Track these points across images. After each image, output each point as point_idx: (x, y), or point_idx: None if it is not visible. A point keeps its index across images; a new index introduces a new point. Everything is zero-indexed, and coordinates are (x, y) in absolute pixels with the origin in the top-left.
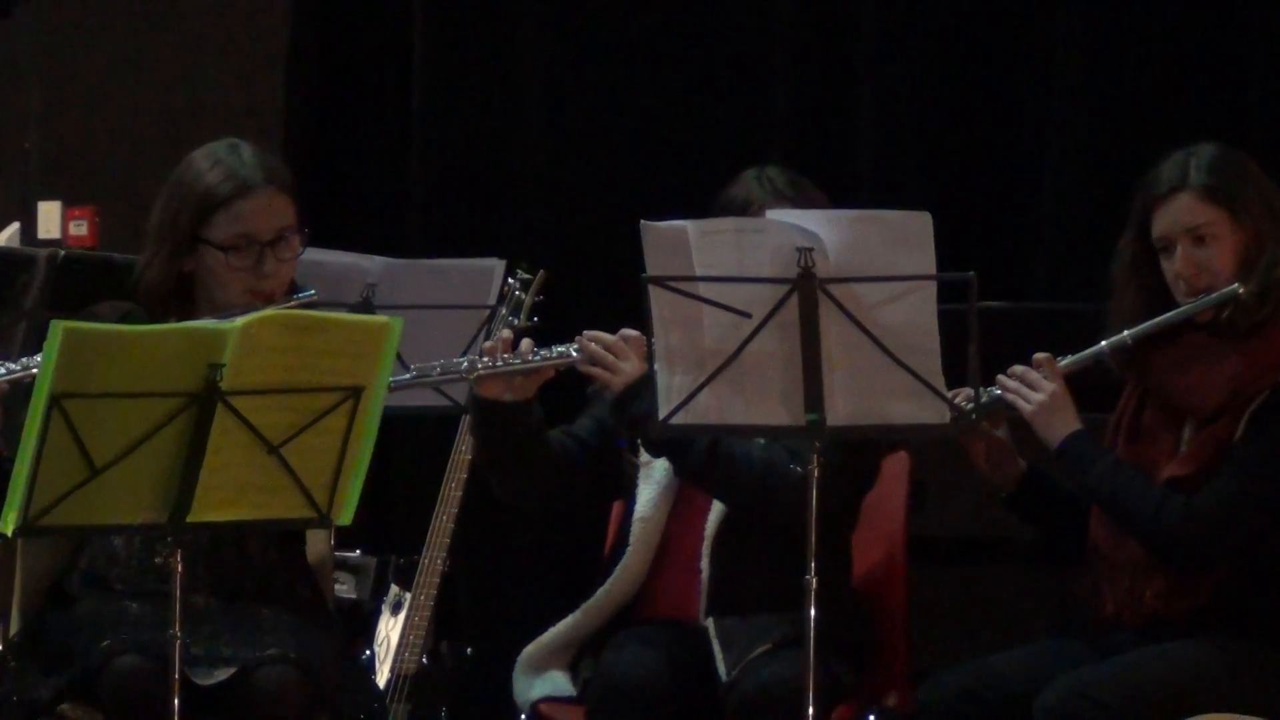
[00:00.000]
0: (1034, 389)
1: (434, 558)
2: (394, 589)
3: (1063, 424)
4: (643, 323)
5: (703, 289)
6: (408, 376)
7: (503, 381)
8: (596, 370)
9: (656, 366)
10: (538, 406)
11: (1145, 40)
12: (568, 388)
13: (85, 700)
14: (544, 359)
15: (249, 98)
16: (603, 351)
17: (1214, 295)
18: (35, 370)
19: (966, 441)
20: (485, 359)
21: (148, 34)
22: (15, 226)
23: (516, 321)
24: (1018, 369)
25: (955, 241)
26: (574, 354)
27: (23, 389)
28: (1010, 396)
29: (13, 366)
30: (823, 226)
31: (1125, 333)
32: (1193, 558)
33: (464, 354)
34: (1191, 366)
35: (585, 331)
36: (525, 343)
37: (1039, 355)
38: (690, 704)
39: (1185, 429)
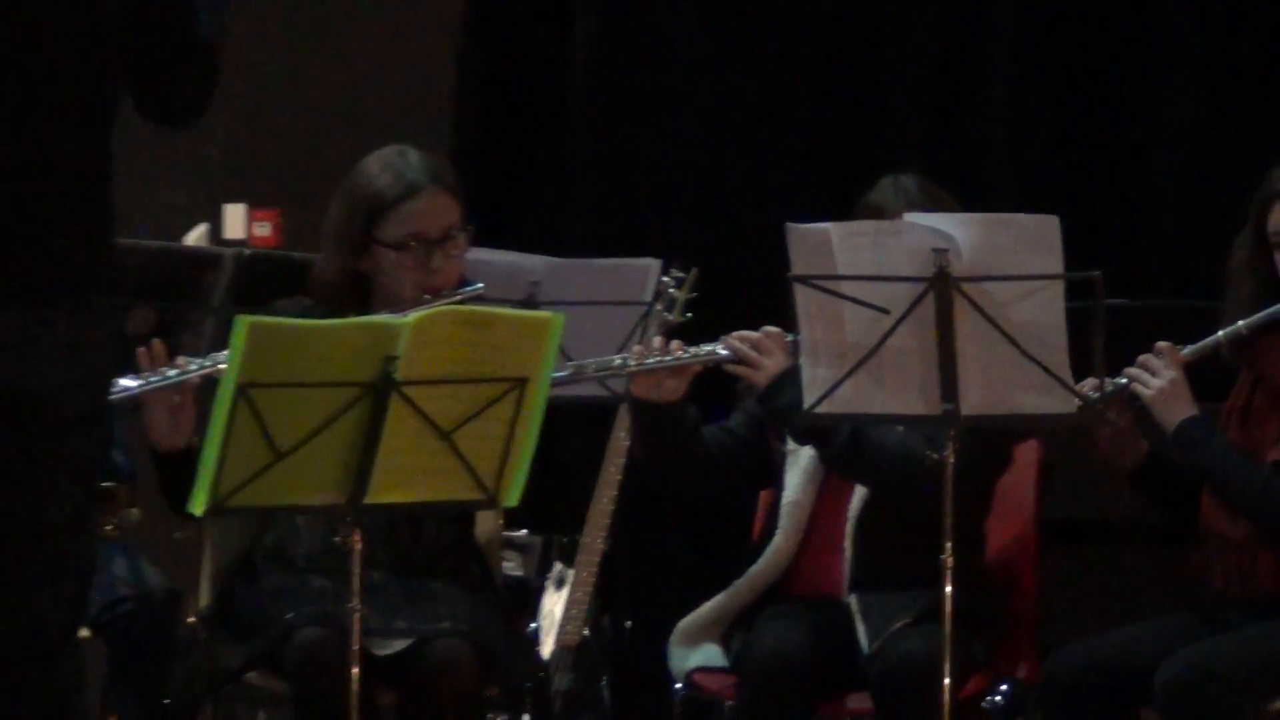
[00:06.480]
0: (1155, 375)
1: (595, 537)
2: (557, 566)
3: (1180, 409)
4: (788, 318)
5: (844, 287)
6: (564, 373)
7: (653, 380)
8: (741, 369)
9: (802, 359)
10: (692, 408)
11: (1263, 48)
12: (721, 385)
13: (271, 669)
14: (693, 356)
15: (421, 106)
16: (747, 348)
17: None
18: (223, 365)
19: (1092, 428)
20: (636, 357)
21: (324, 48)
22: (204, 228)
23: (671, 317)
24: (1141, 357)
25: (1081, 243)
26: (720, 351)
27: (211, 382)
28: (1134, 385)
29: (204, 362)
30: (957, 229)
31: (1240, 323)
32: None
33: (620, 349)
34: None
35: (732, 332)
36: (674, 343)
37: (1161, 344)
38: (834, 675)
39: None
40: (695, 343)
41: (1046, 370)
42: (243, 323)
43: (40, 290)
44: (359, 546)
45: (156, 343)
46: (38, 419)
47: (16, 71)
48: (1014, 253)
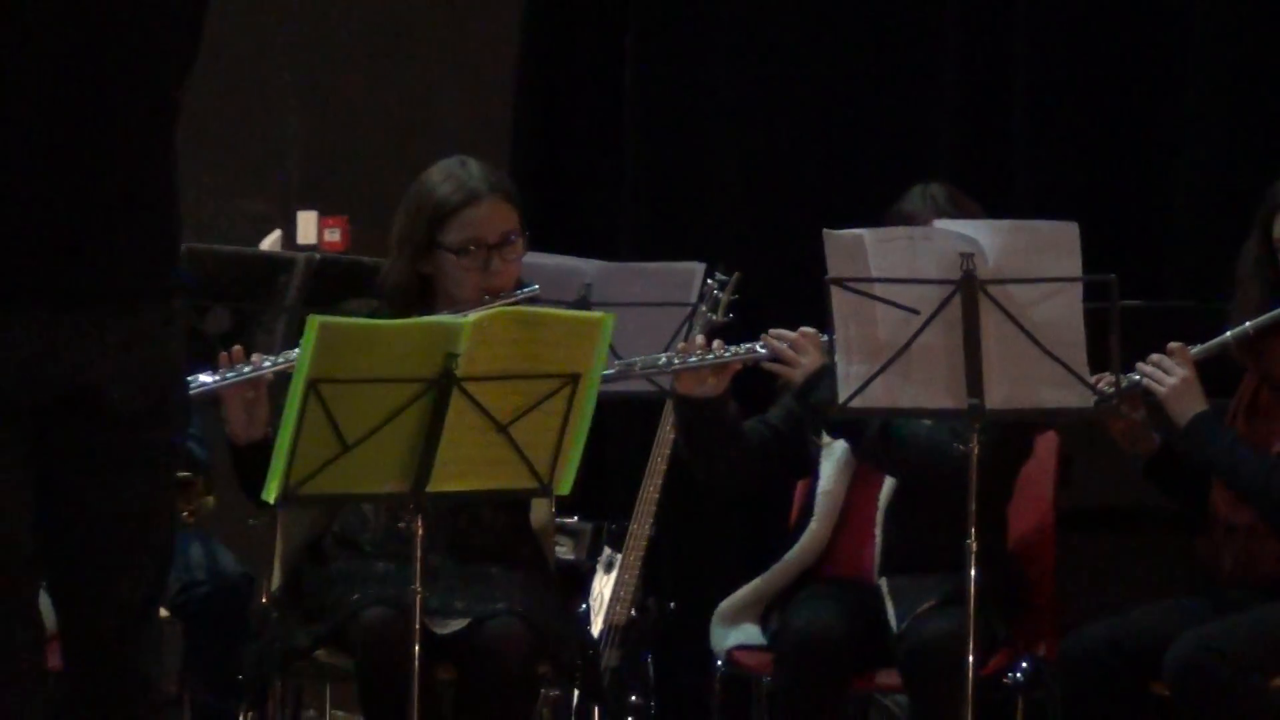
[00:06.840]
0: (1168, 374)
1: (642, 523)
2: (607, 551)
3: (1191, 405)
4: (823, 319)
5: (877, 289)
6: (613, 370)
7: (697, 378)
8: (778, 367)
9: (836, 357)
10: (733, 402)
11: (1278, 55)
12: (762, 381)
13: (338, 647)
14: (733, 354)
15: (481, 120)
16: (784, 347)
17: None
18: (294, 362)
19: (1107, 421)
20: (680, 355)
21: (391, 68)
22: (277, 233)
23: (714, 318)
24: (1154, 356)
25: (1099, 248)
26: (759, 350)
27: (283, 378)
28: (1147, 381)
29: (276, 360)
30: (983, 234)
31: (1247, 324)
32: None
33: (666, 348)
34: None
35: (769, 330)
36: (716, 342)
37: (1173, 344)
38: (865, 653)
39: None
40: (736, 342)
41: (1066, 367)
42: (314, 322)
43: (91, 294)
44: (421, 532)
45: (237, 348)
46: (99, 414)
47: (78, 80)
48: (1036, 256)
